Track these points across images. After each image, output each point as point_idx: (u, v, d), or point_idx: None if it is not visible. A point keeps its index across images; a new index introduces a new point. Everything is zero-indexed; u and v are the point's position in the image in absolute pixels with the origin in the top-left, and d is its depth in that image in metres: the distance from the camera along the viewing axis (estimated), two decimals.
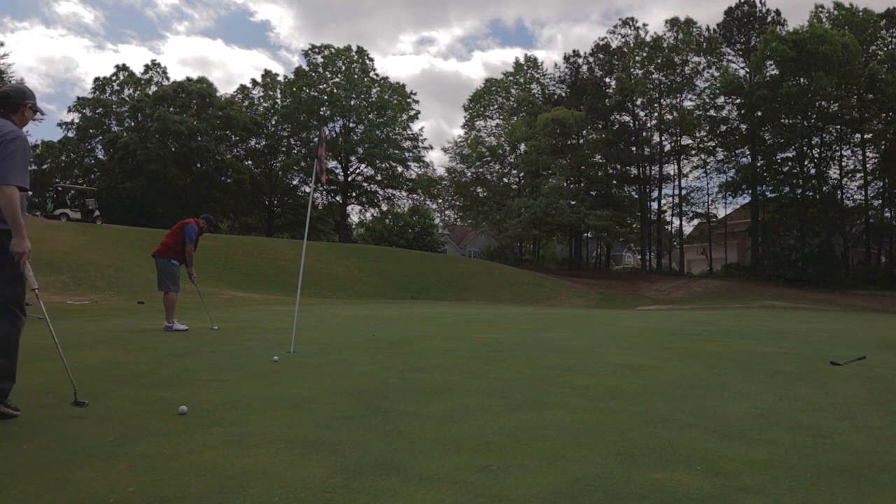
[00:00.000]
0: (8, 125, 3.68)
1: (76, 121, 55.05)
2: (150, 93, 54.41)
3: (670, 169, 51.77)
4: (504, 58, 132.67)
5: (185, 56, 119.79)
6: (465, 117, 59.31)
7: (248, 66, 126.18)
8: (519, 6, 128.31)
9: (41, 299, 4.22)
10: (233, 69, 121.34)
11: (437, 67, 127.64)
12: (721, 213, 54.60)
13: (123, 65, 59.12)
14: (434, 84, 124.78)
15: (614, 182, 52.41)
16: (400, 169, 57.45)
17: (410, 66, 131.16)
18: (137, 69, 58.69)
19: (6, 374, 3.60)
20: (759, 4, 47.48)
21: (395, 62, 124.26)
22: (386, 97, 55.81)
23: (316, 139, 7.75)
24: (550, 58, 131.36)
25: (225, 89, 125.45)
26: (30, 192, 3.77)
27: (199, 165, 51.64)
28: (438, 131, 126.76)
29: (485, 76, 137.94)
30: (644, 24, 56.31)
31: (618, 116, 52.24)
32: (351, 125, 56.01)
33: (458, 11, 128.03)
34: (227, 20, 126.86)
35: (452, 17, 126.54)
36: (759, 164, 45.21)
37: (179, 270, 9.30)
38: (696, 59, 48.60)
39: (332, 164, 54.23)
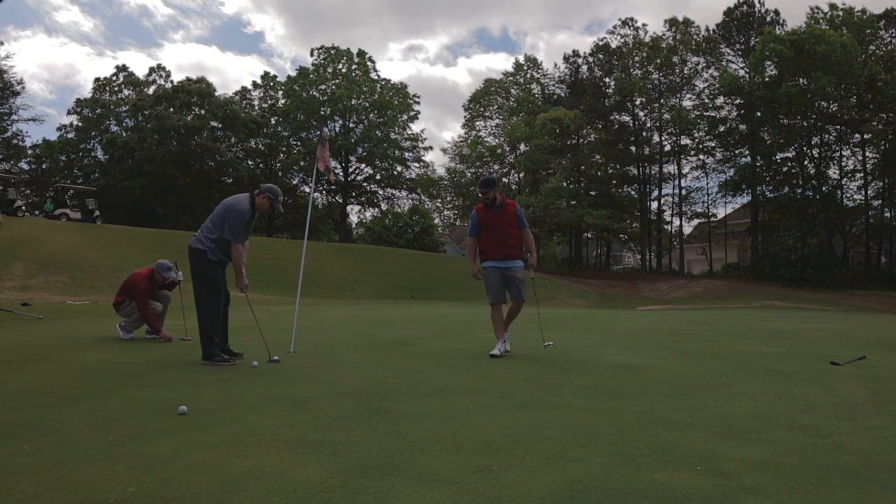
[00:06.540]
0: (244, 200, 5.83)
1: (75, 122, 55.00)
2: (151, 92, 54.39)
3: (670, 169, 51.87)
4: (488, 63, 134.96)
5: (182, 62, 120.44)
6: (464, 117, 59.22)
7: (243, 72, 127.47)
8: (504, 16, 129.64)
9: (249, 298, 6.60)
10: (229, 75, 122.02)
11: (424, 73, 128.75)
12: (721, 213, 54.65)
13: (123, 65, 59.09)
14: (421, 89, 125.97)
15: (614, 182, 52.36)
16: (399, 169, 57.43)
17: (399, 72, 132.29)
18: (138, 73, 58.71)
19: (208, 340, 5.75)
20: (758, 4, 47.53)
21: (383, 68, 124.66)
22: (387, 98, 55.76)
23: (316, 139, 7.72)
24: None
25: (223, 92, 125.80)
26: (247, 243, 6.12)
27: (197, 165, 51.56)
28: (429, 134, 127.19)
29: (469, 81, 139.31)
30: (644, 25, 56.32)
31: (617, 116, 52.21)
32: (351, 125, 55.96)
33: (445, 20, 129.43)
34: (221, 29, 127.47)
35: (438, 26, 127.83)
36: (758, 164, 45.22)
37: None
38: (694, 59, 48.65)
39: (332, 163, 54.32)
